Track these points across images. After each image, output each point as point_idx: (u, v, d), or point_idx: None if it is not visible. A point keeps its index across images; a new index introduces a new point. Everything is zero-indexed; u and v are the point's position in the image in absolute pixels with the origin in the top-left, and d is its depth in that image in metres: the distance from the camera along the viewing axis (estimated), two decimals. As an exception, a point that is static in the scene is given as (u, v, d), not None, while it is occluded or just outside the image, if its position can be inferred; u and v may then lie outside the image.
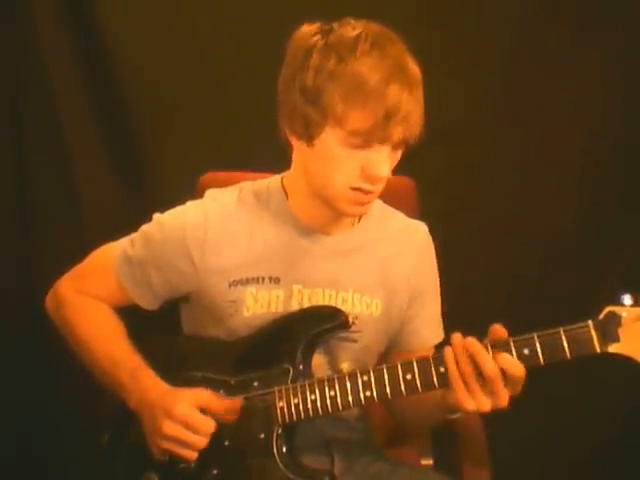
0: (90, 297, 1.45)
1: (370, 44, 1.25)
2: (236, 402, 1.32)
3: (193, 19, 2.02)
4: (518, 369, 1.19)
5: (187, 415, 1.28)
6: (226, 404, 1.32)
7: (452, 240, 1.60)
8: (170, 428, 1.28)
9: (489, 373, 1.18)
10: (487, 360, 1.19)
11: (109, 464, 1.42)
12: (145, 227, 1.44)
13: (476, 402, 1.20)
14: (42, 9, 1.99)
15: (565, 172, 2.05)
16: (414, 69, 1.28)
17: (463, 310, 1.58)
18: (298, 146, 1.34)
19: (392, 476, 1.45)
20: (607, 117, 2.01)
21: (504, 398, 1.20)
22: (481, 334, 1.23)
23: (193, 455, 1.30)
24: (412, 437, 1.70)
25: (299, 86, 1.27)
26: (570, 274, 2.08)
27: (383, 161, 1.27)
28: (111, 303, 1.46)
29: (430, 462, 1.68)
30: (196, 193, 1.55)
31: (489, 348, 1.20)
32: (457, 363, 1.20)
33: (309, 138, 1.29)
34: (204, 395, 1.31)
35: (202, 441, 1.29)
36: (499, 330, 1.21)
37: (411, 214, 1.55)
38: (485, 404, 1.20)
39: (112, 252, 1.45)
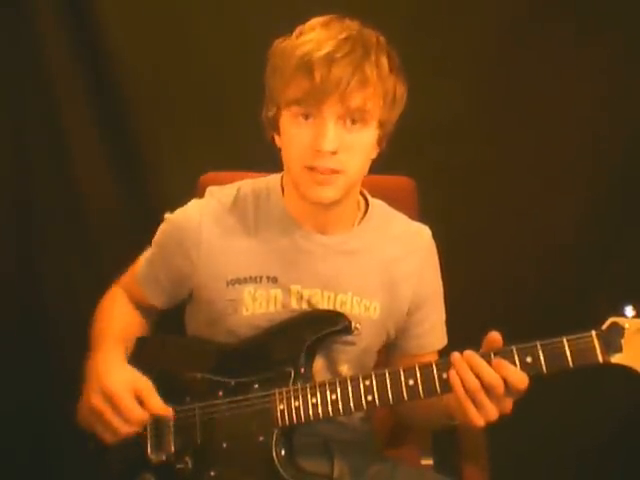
0: (125, 292, 1.51)
1: (314, 26, 1.28)
2: (169, 410, 1.31)
3: (193, 19, 2.02)
4: (519, 377, 1.18)
5: (117, 396, 1.27)
6: (160, 407, 1.30)
7: (452, 240, 1.59)
8: (97, 401, 1.27)
9: (491, 382, 1.17)
10: (487, 370, 1.18)
11: (102, 465, 1.42)
12: (160, 227, 1.48)
13: (485, 416, 1.19)
14: (42, 9, 1.99)
15: (566, 172, 2.04)
16: (366, 42, 1.25)
17: (462, 311, 1.57)
18: (278, 141, 1.36)
19: (392, 476, 1.45)
20: (610, 120, 2.01)
21: (508, 405, 1.20)
22: (480, 336, 1.23)
23: (111, 438, 1.29)
24: (412, 437, 1.70)
25: (266, 82, 1.32)
26: (570, 274, 2.07)
27: (326, 133, 1.24)
28: (137, 303, 1.50)
29: (430, 462, 1.67)
30: (196, 193, 1.56)
31: (492, 357, 1.20)
32: (462, 381, 1.19)
33: (276, 128, 1.33)
34: (144, 385, 1.30)
35: (124, 427, 1.27)
36: (495, 338, 1.21)
37: (411, 214, 1.55)
38: (492, 414, 1.19)
39: (142, 257, 1.50)
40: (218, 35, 2.01)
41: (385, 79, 1.27)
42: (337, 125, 1.25)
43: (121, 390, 1.28)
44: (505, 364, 1.18)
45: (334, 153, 1.25)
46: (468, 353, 1.20)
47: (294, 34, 1.29)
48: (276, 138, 1.36)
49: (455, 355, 1.21)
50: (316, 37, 1.25)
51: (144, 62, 2.03)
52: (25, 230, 2.11)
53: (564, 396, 2.01)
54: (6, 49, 2.02)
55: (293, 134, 1.28)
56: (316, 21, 1.29)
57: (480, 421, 1.19)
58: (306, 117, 1.26)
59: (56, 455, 2.16)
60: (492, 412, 1.19)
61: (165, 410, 1.31)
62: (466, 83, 2.00)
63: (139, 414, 1.28)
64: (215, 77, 2.04)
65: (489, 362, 1.19)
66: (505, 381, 1.18)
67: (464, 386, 1.19)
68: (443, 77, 1.92)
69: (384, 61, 1.27)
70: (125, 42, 2.01)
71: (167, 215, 1.46)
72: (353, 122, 1.26)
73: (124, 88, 2.05)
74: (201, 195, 1.47)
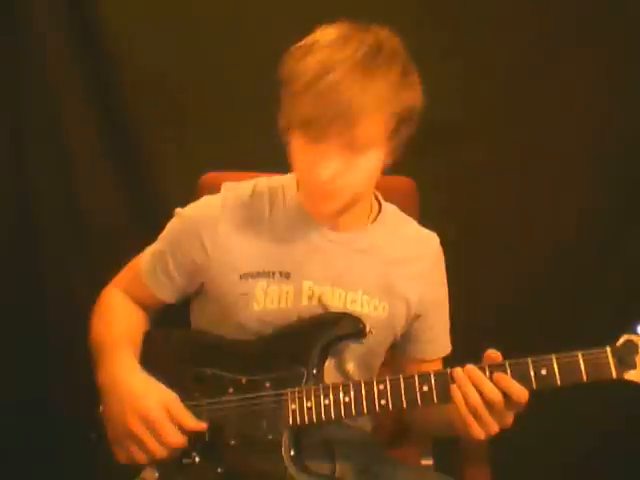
0: (122, 292, 1.49)
1: (326, 43, 1.21)
2: (202, 425, 1.31)
3: (194, 19, 2.02)
4: (519, 391, 1.19)
5: (158, 422, 1.27)
6: (192, 424, 1.30)
7: (451, 241, 1.59)
8: (139, 429, 1.27)
9: (492, 397, 1.19)
10: (488, 385, 1.19)
11: (104, 459, 1.40)
12: (169, 222, 1.47)
13: (485, 430, 1.21)
14: (42, 9, 1.99)
15: (567, 172, 2.05)
16: (380, 63, 1.20)
17: (461, 312, 1.58)
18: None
19: (393, 476, 1.45)
20: (611, 120, 2.01)
21: (508, 419, 1.21)
22: (479, 337, 1.24)
23: (146, 460, 1.29)
24: (413, 437, 1.70)
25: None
26: (572, 273, 2.07)
27: (323, 162, 1.23)
28: (138, 301, 1.49)
29: (430, 462, 1.68)
30: (196, 193, 1.56)
31: (487, 370, 1.21)
32: (464, 396, 1.20)
33: (287, 135, 1.29)
34: (176, 404, 1.30)
35: (163, 452, 1.28)
36: (493, 356, 1.22)
37: (411, 215, 1.55)
38: (493, 429, 1.21)
39: (144, 254, 1.49)
40: (218, 35, 2.02)
41: (399, 99, 1.22)
42: (339, 153, 1.22)
43: (161, 415, 1.27)
44: (506, 378, 1.19)
45: (330, 182, 1.24)
46: (469, 368, 1.21)
47: (306, 46, 1.23)
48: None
49: (457, 370, 1.22)
50: (326, 58, 1.19)
51: (144, 62, 2.03)
52: (25, 230, 2.11)
53: (565, 397, 2.01)
54: (6, 49, 2.02)
55: (299, 155, 1.27)
56: (328, 36, 1.23)
57: (481, 434, 1.21)
58: (309, 142, 1.22)
59: (56, 455, 2.16)
60: (493, 426, 1.20)
61: (200, 426, 1.30)
62: (467, 84, 2.00)
63: (179, 439, 1.28)
64: (215, 77, 2.04)
65: (490, 376, 1.20)
66: (505, 395, 1.18)
67: (466, 401, 1.20)
68: (444, 78, 1.92)
69: (398, 79, 1.22)
70: (125, 42, 2.01)
71: (178, 210, 1.46)
72: (357, 149, 1.22)
73: (124, 88, 2.05)
74: (200, 195, 1.48)
